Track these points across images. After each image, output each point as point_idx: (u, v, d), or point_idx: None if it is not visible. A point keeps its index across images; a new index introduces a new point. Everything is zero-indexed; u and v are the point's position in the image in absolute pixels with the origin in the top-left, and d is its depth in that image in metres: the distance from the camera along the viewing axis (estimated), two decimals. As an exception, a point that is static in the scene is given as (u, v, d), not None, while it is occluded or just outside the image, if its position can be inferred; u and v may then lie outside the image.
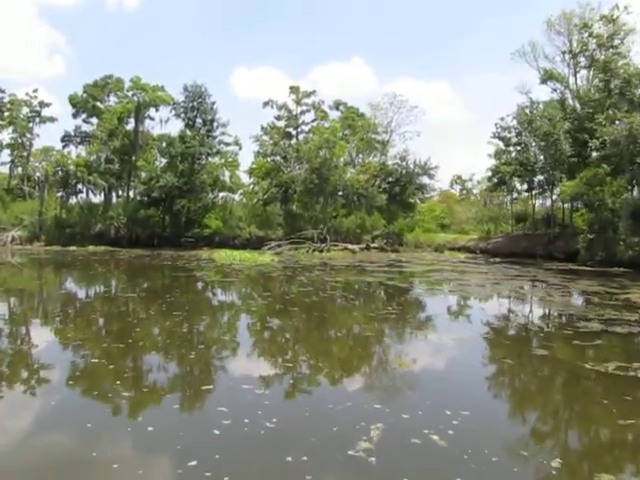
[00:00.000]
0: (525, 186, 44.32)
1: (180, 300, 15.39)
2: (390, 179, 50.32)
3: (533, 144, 40.42)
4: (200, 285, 20.35)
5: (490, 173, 45.52)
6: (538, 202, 47.10)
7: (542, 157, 39.45)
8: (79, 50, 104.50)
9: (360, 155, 54.70)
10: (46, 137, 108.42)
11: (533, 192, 44.16)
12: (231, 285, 20.21)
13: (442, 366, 8.75)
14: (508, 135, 43.62)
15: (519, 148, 42.55)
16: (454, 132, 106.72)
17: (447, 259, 35.35)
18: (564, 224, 40.43)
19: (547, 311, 14.49)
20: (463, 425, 5.70)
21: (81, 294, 18.14)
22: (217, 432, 5.34)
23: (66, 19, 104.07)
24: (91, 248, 38.65)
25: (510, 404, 7.14)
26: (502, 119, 43.64)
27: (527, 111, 40.50)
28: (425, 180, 51.39)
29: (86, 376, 7.48)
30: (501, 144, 44.58)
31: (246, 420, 5.64)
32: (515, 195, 47.87)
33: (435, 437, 5.32)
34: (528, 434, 6.01)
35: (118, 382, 7.00)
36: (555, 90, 42.09)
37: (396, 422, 5.76)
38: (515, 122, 42.14)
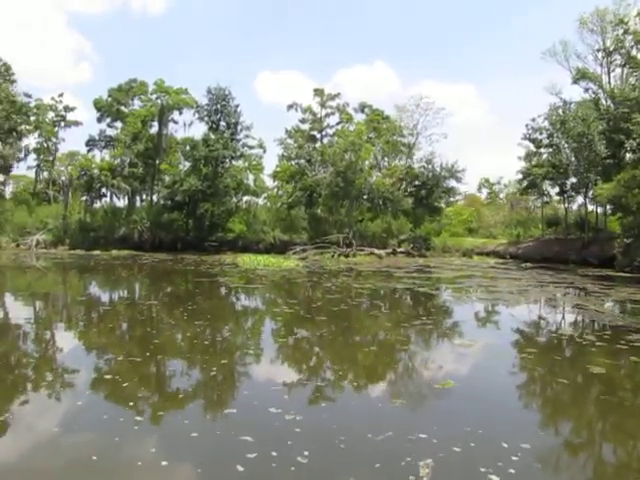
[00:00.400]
0: (557, 189, 42.89)
1: (203, 307, 14.84)
2: (416, 182, 49.57)
3: (566, 145, 39.02)
4: (223, 291, 19.73)
5: (520, 176, 44.26)
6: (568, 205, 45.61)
7: (575, 159, 38.10)
8: (105, 56, 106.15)
9: (385, 158, 53.82)
10: (71, 141, 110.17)
11: (565, 195, 42.67)
12: (255, 291, 19.54)
13: (490, 387, 7.77)
14: (539, 136, 42.23)
15: (551, 150, 41.16)
16: (479, 135, 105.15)
17: (476, 264, 34.28)
18: (597, 228, 38.97)
19: (592, 322, 13.42)
20: (525, 462, 4.90)
21: (104, 299, 17.72)
22: (241, 469, 4.60)
23: (93, 26, 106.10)
24: (114, 252, 38.51)
25: (576, 436, 6.15)
26: (533, 120, 42.33)
27: (559, 111, 39.13)
28: (452, 183, 50.53)
29: (96, 398, 6.80)
30: (532, 146, 43.25)
31: (274, 453, 4.90)
32: (546, 199, 46.27)
33: (495, 478, 4.51)
34: (602, 475, 5.16)
35: (131, 403, 6.31)
36: (588, 90, 40.70)
37: (447, 457, 4.94)
38: (547, 123, 40.75)
